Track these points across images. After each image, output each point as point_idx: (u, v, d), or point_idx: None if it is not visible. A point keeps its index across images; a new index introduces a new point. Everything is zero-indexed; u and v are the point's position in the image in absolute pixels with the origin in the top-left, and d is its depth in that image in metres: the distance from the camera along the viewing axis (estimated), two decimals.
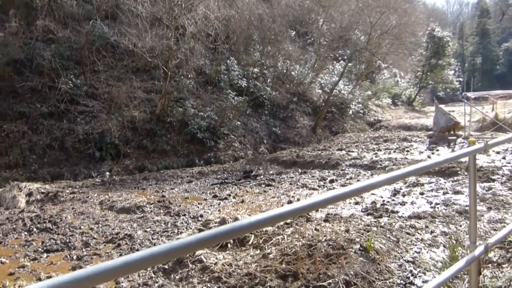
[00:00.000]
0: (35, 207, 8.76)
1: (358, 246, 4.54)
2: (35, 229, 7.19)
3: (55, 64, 14.11)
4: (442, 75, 35.38)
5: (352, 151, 14.18)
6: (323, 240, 4.74)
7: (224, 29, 18.45)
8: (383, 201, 7.55)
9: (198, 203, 8.20)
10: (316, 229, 5.38)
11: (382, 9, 18.68)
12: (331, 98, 21.70)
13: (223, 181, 10.74)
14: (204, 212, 7.44)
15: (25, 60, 14.03)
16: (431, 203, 7.11)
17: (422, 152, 12.92)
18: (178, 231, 6.37)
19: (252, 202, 8.18)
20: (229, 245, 5.40)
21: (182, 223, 6.80)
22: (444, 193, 7.74)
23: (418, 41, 32.36)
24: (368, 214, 6.59)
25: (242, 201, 8.23)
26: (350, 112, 23.34)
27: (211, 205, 7.98)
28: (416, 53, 34.01)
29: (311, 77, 23.26)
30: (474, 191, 2.30)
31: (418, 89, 36.75)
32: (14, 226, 7.48)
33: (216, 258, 4.97)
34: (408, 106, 34.67)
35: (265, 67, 21.18)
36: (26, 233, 7.09)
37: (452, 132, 15.85)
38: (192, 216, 7.13)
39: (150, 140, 14.69)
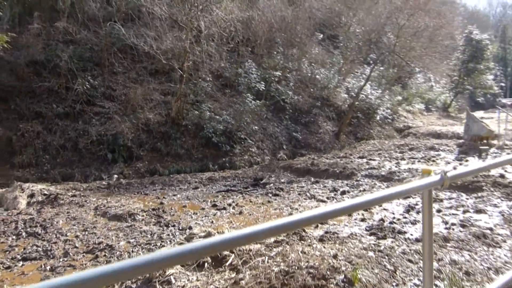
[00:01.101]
0: (33, 209, 8.58)
1: (342, 276, 3.92)
2: (24, 234, 6.96)
3: (73, 65, 14.11)
4: (480, 80, 33.54)
5: (374, 160, 13.37)
6: (304, 266, 4.14)
7: (244, 31, 18.03)
8: (393, 218, 6.82)
9: (194, 213, 7.74)
10: (303, 251, 4.78)
11: (410, 11, 17.69)
12: (357, 103, 20.83)
13: (229, 188, 10.26)
14: (196, 223, 6.98)
15: (45, 61, 14.10)
16: (446, 223, 6.33)
17: (449, 163, 11.97)
18: (160, 244, 5.93)
19: (250, 214, 7.64)
20: (206, 264, 4.90)
21: (168, 235, 6.36)
22: (464, 212, 6.92)
23: (453, 44, 30.84)
24: (371, 234, 5.91)
25: (240, 213, 7.70)
26: (377, 118, 22.35)
27: (205, 216, 7.50)
28: (452, 57, 32.45)
29: (337, 81, 22.43)
30: (429, 236, 1.69)
31: (454, 94, 34.98)
32: (5, 229, 7.28)
33: (188, 280, 4.48)
34: (443, 112, 33.06)
35: (288, 70, 20.59)
36: (14, 237, 6.86)
37: (484, 141, 14.70)
38: (180, 228, 6.68)
39: (165, 143, 14.42)
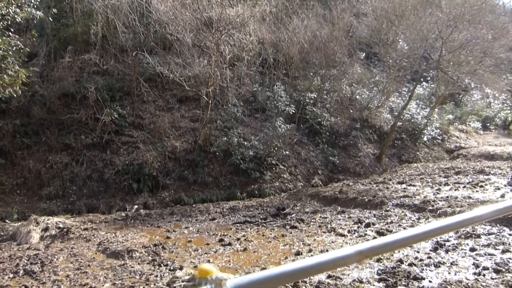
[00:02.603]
0: (43, 244, 8.44)
1: None
2: (21, 272, 6.73)
3: (103, 96, 14.31)
4: None
5: (414, 185, 12.17)
6: None
7: (275, 53, 17.66)
8: (415, 258, 5.83)
9: (195, 249, 7.17)
10: None
11: (453, 23, 16.41)
12: (400, 123, 19.53)
13: (247, 219, 9.61)
14: (191, 262, 6.39)
15: (75, 93, 14.43)
16: (477, 266, 5.27)
17: (499, 189, 10.52)
18: (144, 287, 5.40)
19: (255, 251, 6.94)
20: None
21: (156, 275, 5.83)
22: (503, 251, 5.78)
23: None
24: (380, 280, 5.01)
25: (245, 249, 7.02)
26: (425, 139, 20.78)
27: (206, 253, 6.90)
28: None
29: (378, 101, 21.29)
30: None
31: None
32: (7, 266, 7.12)
33: None
34: (503, 130, 30.38)
35: (324, 91, 19.82)
36: (11, 275, 6.66)
37: None
38: (172, 268, 6.12)
39: (192, 171, 14.09)
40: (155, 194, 13.15)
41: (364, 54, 24.05)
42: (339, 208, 10.08)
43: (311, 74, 19.68)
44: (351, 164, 17.56)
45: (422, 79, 25.12)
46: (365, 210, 9.47)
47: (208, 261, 6.40)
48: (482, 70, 20.35)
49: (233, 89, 15.64)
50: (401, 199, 9.76)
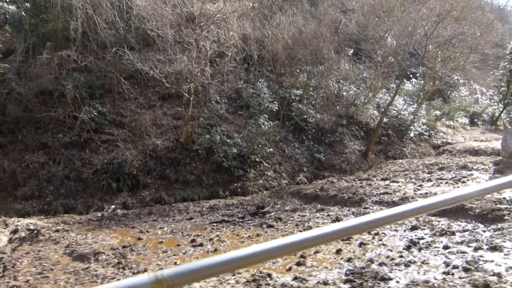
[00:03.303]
0: (10, 247, 8.16)
1: None
2: None
3: (82, 93, 13.99)
4: None
5: (397, 181, 12.04)
6: None
7: (259, 50, 17.43)
8: (387, 257, 5.65)
9: (164, 251, 6.95)
10: None
11: (437, 19, 16.26)
12: (387, 119, 19.42)
13: (224, 219, 9.39)
14: (157, 264, 6.17)
15: (53, 91, 14.09)
16: (448, 265, 5.10)
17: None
18: None
19: (226, 252, 6.73)
20: None
21: (118, 279, 5.59)
22: (475, 249, 5.61)
23: (500, 52, 28.48)
24: (346, 281, 4.82)
25: (215, 250, 6.81)
26: (412, 135, 20.69)
27: (175, 254, 6.68)
28: (499, 66, 30.09)
29: (365, 97, 21.15)
30: None
31: (503, 106, 32.18)
32: None
33: None
34: (491, 126, 30.42)
35: (311, 88, 19.63)
36: None
37: None
38: (136, 271, 5.89)
39: (174, 169, 13.84)
40: (135, 193, 12.89)
41: (352, 50, 23.89)
42: (319, 206, 9.91)
43: (297, 70, 19.49)
44: (337, 160, 17.40)
45: (411, 76, 25.06)
46: (344, 208, 9.29)
47: (175, 263, 6.18)
48: (469, 66, 20.28)
49: (215, 86, 15.37)
50: (381, 196, 9.59)
